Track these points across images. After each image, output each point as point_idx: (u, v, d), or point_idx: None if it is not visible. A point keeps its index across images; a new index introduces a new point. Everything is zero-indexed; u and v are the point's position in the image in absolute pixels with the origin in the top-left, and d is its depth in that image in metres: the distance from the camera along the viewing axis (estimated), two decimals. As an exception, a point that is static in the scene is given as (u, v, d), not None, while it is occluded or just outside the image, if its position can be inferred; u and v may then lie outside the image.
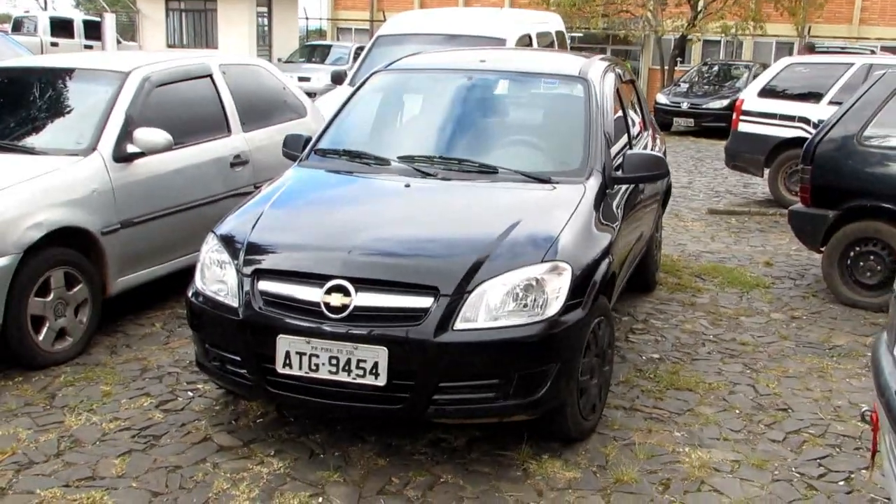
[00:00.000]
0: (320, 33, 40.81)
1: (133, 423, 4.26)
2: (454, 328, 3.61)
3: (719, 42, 30.31)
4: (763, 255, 8.28)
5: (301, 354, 3.67)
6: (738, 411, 4.63)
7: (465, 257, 3.77)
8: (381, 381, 3.60)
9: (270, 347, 3.72)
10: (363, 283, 3.68)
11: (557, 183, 4.47)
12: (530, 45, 10.73)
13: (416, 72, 5.46)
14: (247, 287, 3.84)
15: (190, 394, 4.64)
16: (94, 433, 4.15)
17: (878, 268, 6.47)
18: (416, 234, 4.03)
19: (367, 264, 3.77)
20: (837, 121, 6.62)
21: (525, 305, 3.71)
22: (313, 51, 26.25)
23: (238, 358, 3.87)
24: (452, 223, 4.13)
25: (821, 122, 9.91)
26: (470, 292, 3.65)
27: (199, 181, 6.07)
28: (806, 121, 10.25)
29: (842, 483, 3.90)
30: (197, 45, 27.78)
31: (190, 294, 4.13)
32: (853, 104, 6.61)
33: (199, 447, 4.05)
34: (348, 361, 3.62)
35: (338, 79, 10.72)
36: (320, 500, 3.64)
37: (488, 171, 4.56)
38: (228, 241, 4.08)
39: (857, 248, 6.54)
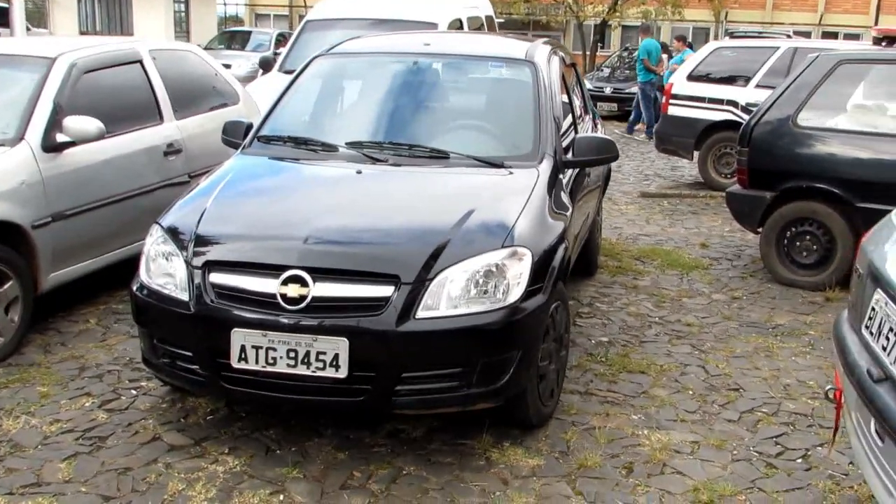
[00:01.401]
0: (235, 20, 40.06)
1: (76, 425, 4.07)
2: (416, 317, 3.52)
3: (638, 27, 30.69)
4: (698, 237, 8.38)
5: (257, 348, 3.55)
6: (691, 392, 4.65)
7: (424, 244, 3.68)
8: (342, 374, 3.50)
9: (224, 342, 3.58)
10: (321, 273, 3.57)
11: (510, 167, 4.42)
12: (461, 28, 10.66)
13: (359, 56, 5.34)
14: (197, 280, 3.69)
15: (133, 392, 4.46)
16: (35, 437, 3.95)
17: (815, 247, 6.59)
18: (372, 222, 3.93)
19: (325, 253, 3.66)
20: (773, 104, 6.71)
21: (486, 292, 3.64)
22: (233, 37, 25.70)
23: (189, 353, 3.73)
24: (409, 210, 4.04)
25: (749, 104, 10.13)
26: (431, 280, 3.57)
27: (131, 171, 5.84)
28: (734, 104, 10.41)
29: (800, 461, 3.94)
30: (111, 32, 26.97)
31: (134, 288, 3.95)
32: (787, 87, 6.71)
33: (149, 447, 3.89)
34: (307, 354, 3.51)
35: (266, 65, 10.50)
36: (281, 497, 3.52)
37: (440, 157, 4.49)
38: (175, 233, 3.92)
39: (794, 229, 6.65)
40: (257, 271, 3.65)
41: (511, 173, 4.37)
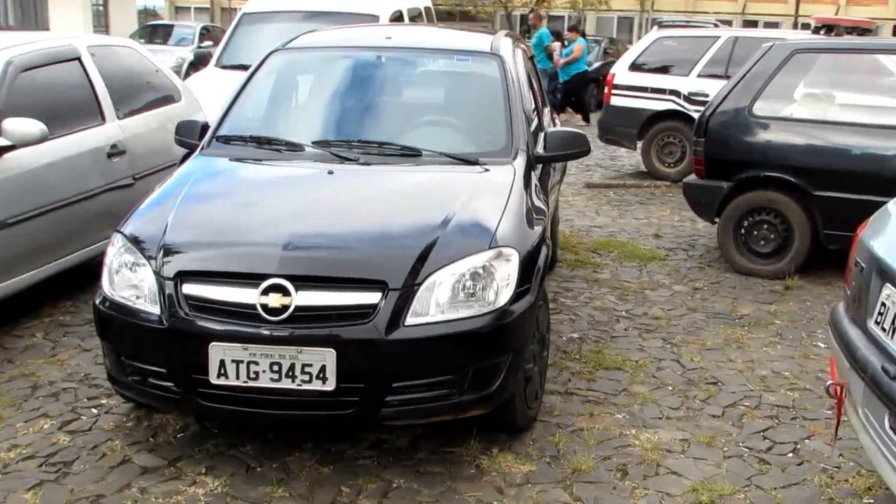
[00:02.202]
0: (152, 13, 39.06)
1: (37, 450, 3.81)
2: (405, 324, 3.37)
3: (564, 17, 30.85)
4: (649, 228, 8.37)
5: (238, 362, 3.35)
6: (670, 388, 4.59)
7: (410, 248, 3.53)
8: (330, 386, 3.33)
9: (201, 356, 3.38)
10: (304, 281, 3.39)
11: (485, 164, 4.29)
12: (401, 20, 10.47)
13: (318, 51, 5.14)
14: (169, 291, 3.48)
15: (94, 411, 4.21)
16: (-7, 464, 3.69)
17: (772, 236, 6.62)
18: (353, 226, 3.75)
19: (307, 260, 3.48)
20: (728, 94, 6.71)
21: (475, 295, 3.51)
22: (155, 31, 25.00)
23: (163, 370, 3.51)
24: (388, 212, 3.88)
25: (692, 94, 10.19)
26: (419, 285, 3.42)
27: (75, 175, 5.55)
28: (677, 93, 10.45)
29: (790, 455, 3.90)
30: (25, 27, 25.96)
31: (98, 301, 3.71)
32: (742, 77, 6.71)
33: (120, 471, 3.65)
34: (292, 367, 3.33)
35: (201, 60, 10.18)
36: (269, 519, 3.34)
37: (411, 154, 4.34)
38: (140, 242, 3.69)
39: (751, 218, 6.66)
40: (234, 281, 3.45)
41: (487, 170, 4.24)
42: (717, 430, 4.10)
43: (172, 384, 3.49)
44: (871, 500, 3.53)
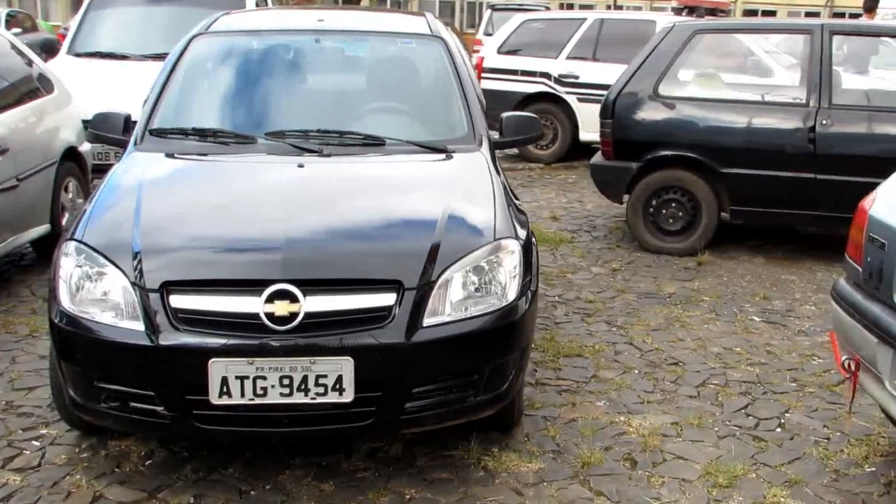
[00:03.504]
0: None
1: (-14, 494, 3.35)
2: (423, 325, 3.15)
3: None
4: (542, 210, 8.39)
5: (243, 379, 3.03)
6: (637, 371, 4.58)
7: (418, 244, 3.31)
8: (348, 398, 3.07)
9: (199, 375, 3.04)
10: (312, 286, 3.10)
11: (452, 152, 4.10)
12: (266, 4, 10.03)
13: (248, 35, 4.76)
14: (153, 305, 3.10)
15: (36, 443, 3.74)
16: (-59, 515, 3.21)
17: (680, 214, 6.75)
18: (351, 223, 3.48)
19: (314, 262, 3.20)
20: (633, 75, 6.78)
21: (486, 291, 3.34)
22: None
23: (149, 393, 3.13)
24: (382, 206, 3.62)
25: (562, 76, 10.31)
26: (434, 283, 3.21)
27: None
28: (547, 75, 10.54)
29: (779, 430, 3.96)
30: None
31: (56, 319, 3.27)
32: (646, 58, 6.80)
33: (96, 509, 3.26)
34: (304, 379, 3.05)
35: (50, 49, 9.37)
36: (287, 547, 3.06)
37: (375, 143, 4.09)
38: (104, 251, 3.28)
39: (659, 197, 6.77)
40: (232, 289, 3.12)
41: (457, 158, 4.06)
42: (701, 411, 4.11)
43: (162, 408, 3.13)
44: (873, 468, 3.61)
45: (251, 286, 3.10)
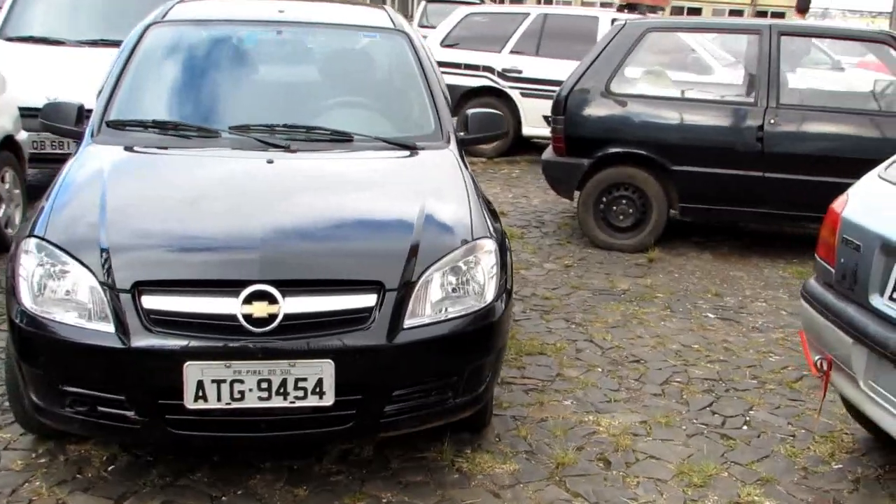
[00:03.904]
0: None
1: (-59, 504, 3.18)
2: (404, 327, 3.09)
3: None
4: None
5: (219, 382, 2.93)
6: (600, 370, 4.58)
7: (398, 244, 3.24)
8: (328, 401, 2.99)
9: (172, 378, 2.93)
10: (291, 286, 3.01)
11: (422, 149, 4.05)
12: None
13: (206, 24, 4.59)
14: (124, 306, 2.98)
15: (-12, 448, 3.58)
16: None
17: (630, 211, 6.80)
18: (328, 222, 3.39)
19: (293, 262, 3.10)
20: (585, 72, 6.79)
21: (465, 291, 3.29)
22: None
23: (119, 397, 3.01)
24: (358, 205, 3.53)
25: (505, 70, 10.30)
26: (414, 283, 3.15)
27: None
28: (491, 70, 10.52)
29: (745, 428, 4.00)
30: None
31: (17, 320, 3.11)
32: (598, 55, 6.82)
33: (62, 519, 3.12)
34: (283, 383, 2.96)
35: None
36: (266, 556, 2.97)
37: (342, 139, 4.01)
38: (68, 248, 3.13)
39: (610, 194, 6.80)
40: (208, 290, 3.01)
41: (426, 155, 4.00)
42: (668, 410, 4.13)
43: (133, 412, 3.01)
44: (840, 465, 3.68)
45: (228, 287, 3.00)
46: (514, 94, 10.48)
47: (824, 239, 3.49)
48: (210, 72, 4.37)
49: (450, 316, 3.20)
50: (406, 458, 3.58)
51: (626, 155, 6.69)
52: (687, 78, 7.01)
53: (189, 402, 2.93)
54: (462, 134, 4.40)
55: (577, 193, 7.01)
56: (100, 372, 3.02)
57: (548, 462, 3.61)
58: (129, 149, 3.86)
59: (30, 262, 3.17)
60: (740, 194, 6.54)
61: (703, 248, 7.01)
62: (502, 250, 3.54)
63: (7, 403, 3.88)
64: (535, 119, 10.28)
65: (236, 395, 2.95)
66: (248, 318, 2.96)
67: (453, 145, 4.14)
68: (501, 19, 10.94)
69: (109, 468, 3.44)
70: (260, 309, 2.96)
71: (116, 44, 7.90)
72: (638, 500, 3.36)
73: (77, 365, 3.05)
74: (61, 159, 7.23)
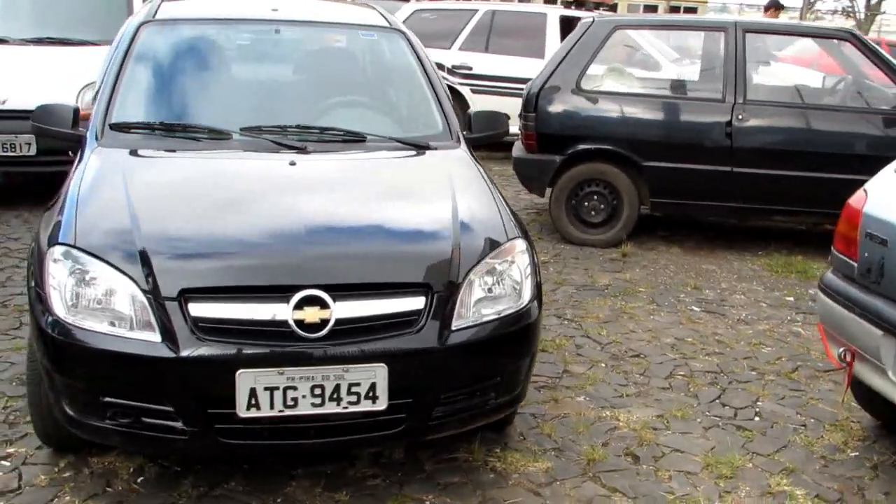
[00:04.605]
0: None
1: (-29, 524, 3.05)
2: (453, 329, 3.08)
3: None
4: (452, 202, 8.36)
5: (272, 390, 2.88)
6: (604, 365, 4.64)
7: (441, 246, 3.22)
8: (381, 405, 2.96)
9: (224, 387, 2.86)
10: (341, 290, 2.97)
11: (435, 149, 4.03)
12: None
13: (201, 23, 4.48)
14: (170, 314, 2.89)
15: (6, 463, 3.44)
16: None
17: (602, 206, 6.89)
18: (368, 224, 3.34)
19: (341, 266, 3.06)
20: (555, 69, 6.85)
21: (505, 292, 3.29)
22: None
23: (167, 408, 2.93)
24: (392, 207, 3.49)
25: (455, 67, 10.32)
26: (459, 285, 3.14)
27: None
28: (440, 66, 10.46)
29: (757, 419, 4.10)
30: None
31: (49, 330, 2.99)
32: (568, 52, 6.88)
33: (104, 535, 3.02)
34: (336, 388, 2.92)
35: None
36: (323, 564, 2.93)
37: (356, 140, 3.97)
38: (105, 255, 3.03)
39: (582, 190, 6.88)
40: (257, 296, 2.95)
41: (441, 154, 3.99)
42: (680, 403, 4.21)
43: (181, 423, 2.93)
44: (857, 453, 3.80)
45: (278, 292, 2.94)
46: (465, 91, 10.49)
47: (843, 234, 3.60)
48: (213, 72, 4.28)
49: (493, 317, 3.20)
50: (438, 460, 3.58)
51: (597, 151, 6.78)
52: (655, 74, 7.13)
53: (241, 411, 2.87)
54: (465, 133, 4.39)
55: (548, 190, 7.05)
56: (146, 382, 2.93)
57: (578, 459, 3.64)
58: (134, 152, 3.74)
59: (60, 271, 3.05)
60: (710, 189, 6.68)
61: (671, 243, 7.15)
62: (532, 248, 3.55)
63: (12, 417, 3.78)
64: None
65: (289, 402, 2.90)
66: (299, 323, 2.91)
67: (464, 145, 4.13)
68: (450, 16, 10.94)
69: (139, 480, 3.35)
70: (311, 314, 2.91)
71: (62, 42, 7.82)
72: (675, 494, 3.42)
73: (121, 376, 2.95)
74: (11, 162, 7.05)
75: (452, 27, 10.69)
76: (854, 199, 3.59)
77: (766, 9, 10.67)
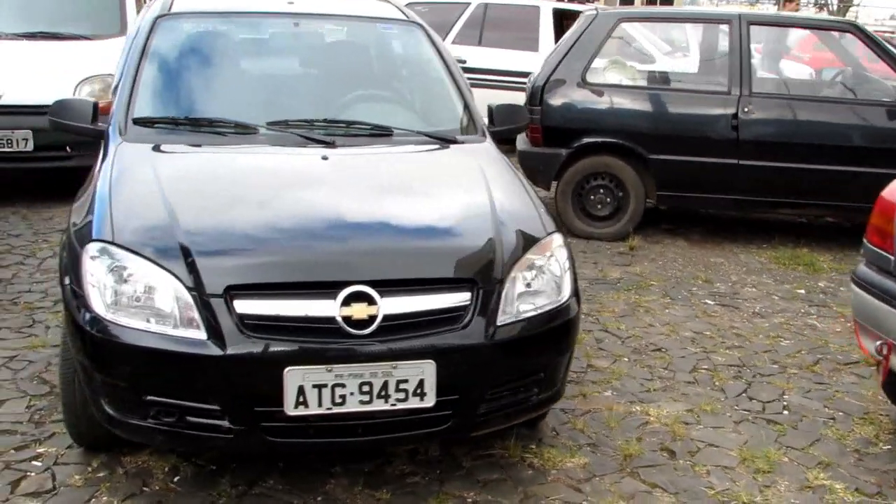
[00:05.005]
0: None
1: (10, 528, 2.99)
2: (498, 324, 3.05)
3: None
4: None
5: (320, 387, 2.84)
6: (626, 360, 4.63)
7: (484, 240, 3.19)
8: (430, 402, 2.93)
9: (271, 385, 2.81)
10: (387, 286, 2.93)
11: (461, 142, 4.00)
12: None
13: (219, 17, 4.40)
14: (216, 311, 2.84)
15: (37, 463, 3.38)
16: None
17: (608, 200, 6.88)
18: (410, 220, 3.29)
19: (386, 262, 3.01)
20: (560, 62, 6.83)
21: (544, 287, 3.26)
22: None
23: (214, 407, 2.87)
24: (430, 201, 3.46)
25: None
26: (503, 280, 3.11)
27: None
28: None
29: (786, 413, 4.10)
30: None
31: (88, 328, 2.93)
32: (573, 45, 6.86)
33: (147, 536, 2.97)
34: (385, 385, 2.88)
35: None
36: (373, 563, 2.89)
37: (382, 134, 3.93)
38: (145, 252, 2.96)
39: (588, 183, 6.87)
40: (304, 292, 2.90)
41: (469, 149, 3.96)
42: (708, 397, 4.20)
43: (227, 421, 2.88)
44: (889, 446, 3.81)
45: (325, 288, 2.89)
46: (459, 84, 10.42)
47: (877, 227, 3.60)
48: (233, 66, 4.22)
49: (535, 312, 3.17)
50: (474, 456, 3.55)
51: (603, 144, 6.76)
52: (664, 67, 7.13)
53: (289, 409, 2.82)
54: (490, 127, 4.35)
55: (553, 183, 7.04)
56: (192, 381, 2.88)
57: (614, 454, 3.63)
58: (159, 147, 3.67)
59: (98, 268, 2.98)
60: (716, 182, 6.69)
61: (676, 236, 7.16)
62: (567, 242, 3.53)
63: (38, 416, 3.72)
64: (479, 109, 10.26)
65: (337, 400, 2.85)
66: (346, 319, 2.86)
67: (489, 138, 4.10)
68: (443, 9, 10.87)
69: (175, 479, 3.30)
70: (359, 311, 2.87)
71: (54, 36, 7.69)
72: (715, 489, 3.41)
73: (165, 374, 2.89)
74: (7, 158, 6.92)
75: (445, 20, 10.62)
76: (888, 192, 3.59)
77: (788, 0, 10.69)
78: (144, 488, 3.23)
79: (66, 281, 3.12)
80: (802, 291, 5.91)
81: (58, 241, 6.06)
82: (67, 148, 6.99)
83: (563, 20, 10.55)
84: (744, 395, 4.26)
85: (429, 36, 4.53)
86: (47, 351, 4.33)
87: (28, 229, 6.46)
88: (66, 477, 3.28)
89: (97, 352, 2.94)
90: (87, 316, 2.94)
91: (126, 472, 3.32)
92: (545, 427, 3.82)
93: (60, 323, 4.56)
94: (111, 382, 2.96)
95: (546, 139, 6.83)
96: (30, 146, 6.96)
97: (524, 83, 7.42)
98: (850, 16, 38.12)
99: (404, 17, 4.62)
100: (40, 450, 3.46)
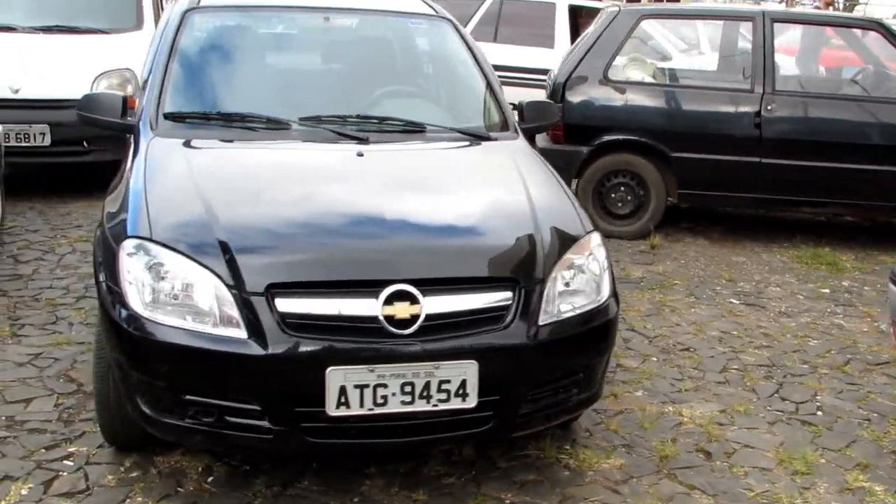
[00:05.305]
0: None
1: (45, 528, 2.95)
2: (540, 324, 3.01)
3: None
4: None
5: (362, 387, 2.80)
6: (655, 359, 4.59)
7: (525, 240, 3.15)
8: (471, 403, 2.89)
9: (312, 385, 2.78)
10: (430, 285, 2.89)
11: (495, 139, 3.96)
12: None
13: (249, 11, 4.38)
14: (257, 310, 2.80)
15: (69, 463, 3.34)
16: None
17: (629, 198, 6.84)
18: (450, 218, 3.26)
19: (430, 261, 2.98)
20: (582, 59, 6.79)
21: (584, 287, 3.23)
22: None
23: (254, 406, 2.84)
24: (469, 199, 3.41)
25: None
26: (544, 280, 3.07)
27: None
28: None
29: (820, 414, 4.06)
30: None
31: (127, 326, 2.89)
32: (594, 43, 6.81)
33: (185, 538, 2.93)
34: (427, 385, 2.85)
35: None
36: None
37: (415, 130, 3.89)
38: (185, 249, 2.93)
39: (609, 181, 6.82)
40: (346, 291, 2.86)
41: (503, 146, 3.92)
42: (740, 398, 4.16)
43: (268, 421, 2.84)
44: (926, 447, 3.78)
45: (367, 287, 2.86)
46: (474, 81, 10.37)
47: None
48: (265, 60, 4.20)
49: (575, 313, 3.13)
50: (510, 457, 3.51)
51: (624, 142, 6.72)
52: (686, 64, 7.08)
53: (331, 409, 2.79)
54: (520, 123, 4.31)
55: (574, 181, 6.99)
56: (232, 380, 2.84)
57: (650, 455, 3.59)
58: (190, 142, 3.63)
59: (136, 265, 2.95)
60: (738, 180, 6.65)
61: (696, 234, 7.11)
62: (605, 244, 3.49)
63: (66, 415, 3.69)
64: None
65: (379, 400, 2.82)
66: (389, 319, 2.83)
67: (522, 135, 4.06)
68: (458, 5, 10.75)
69: (209, 479, 3.26)
70: (402, 310, 2.83)
71: (71, 30, 7.64)
72: (754, 490, 3.37)
73: (205, 374, 2.86)
74: (24, 153, 6.89)
75: (460, 16, 10.41)
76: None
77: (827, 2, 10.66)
78: (179, 489, 3.20)
79: (101, 278, 3.09)
80: (827, 291, 5.87)
81: (76, 237, 6.06)
82: (85, 143, 6.96)
83: (576, 17, 10.50)
84: (776, 395, 4.22)
85: (458, 31, 4.50)
86: (72, 348, 4.29)
87: (45, 225, 6.42)
88: (100, 477, 3.24)
89: (134, 350, 2.91)
90: (124, 313, 2.91)
91: (159, 472, 3.29)
92: (578, 428, 3.78)
93: (84, 320, 4.58)
94: (148, 381, 2.92)
95: (567, 136, 6.78)
96: (47, 141, 6.93)
97: (540, 80, 7.38)
98: (856, 14, 38.05)
99: (434, 13, 4.58)
100: (71, 449, 3.42)
